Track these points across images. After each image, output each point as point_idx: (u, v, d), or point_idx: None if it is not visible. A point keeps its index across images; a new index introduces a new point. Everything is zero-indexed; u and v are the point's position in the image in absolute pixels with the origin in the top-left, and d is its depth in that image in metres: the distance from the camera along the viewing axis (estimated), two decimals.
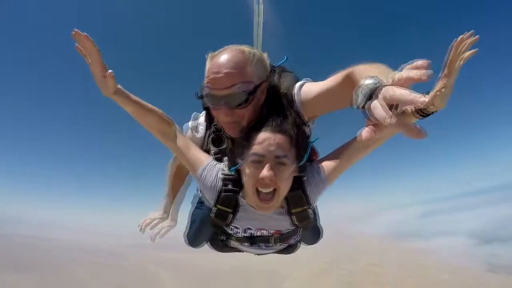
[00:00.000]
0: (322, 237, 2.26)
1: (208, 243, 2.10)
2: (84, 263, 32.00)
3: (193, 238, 2.06)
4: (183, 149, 1.54)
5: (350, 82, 1.21)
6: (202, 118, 1.79)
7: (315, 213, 1.86)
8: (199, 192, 1.98)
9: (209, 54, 1.49)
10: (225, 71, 1.38)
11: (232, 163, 1.46)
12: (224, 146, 1.62)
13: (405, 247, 34.56)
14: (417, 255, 29.61)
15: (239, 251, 1.97)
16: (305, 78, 1.61)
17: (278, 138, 1.32)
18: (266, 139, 1.31)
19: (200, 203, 1.97)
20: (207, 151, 1.69)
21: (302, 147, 1.40)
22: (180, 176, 2.35)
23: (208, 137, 1.66)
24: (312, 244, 2.31)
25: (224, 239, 1.82)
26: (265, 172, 1.27)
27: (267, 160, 1.30)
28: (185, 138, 1.60)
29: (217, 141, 1.61)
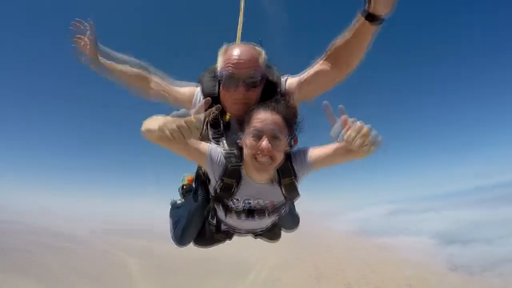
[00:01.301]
0: (299, 223, 2.61)
1: (194, 241, 2.31)
2: (49, 247, 31.23)
3: (181, 234, 2.22)
4: (187, 148, 1.70)
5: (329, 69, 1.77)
6: (196, 89, 2.00)
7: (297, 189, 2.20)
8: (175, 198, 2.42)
9: (224, 46, 1.83)
10: (245, 57, 1.73)
11: (230, 142, 1.81)
12: (221, 129, 1.90)
13: (370, 244, 35.80)
14: (381, 252, 30.81)
15: (227, 238, 2.26)
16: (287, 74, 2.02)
17: (275, 117, 1.63)
18: (265, 117, 1.62)
19: (176, 207, 2.33)
20: (204, 134, 1.94)
21: (292, 126, 1.73)
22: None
23: (207, 122, 1.87)
24: (291, 229, 2.60)
25: (219, 221, 2.08)
26: (264, 143, 1.58)
27: (265, 133, 1.60)
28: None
29: (215, 125, 1.90)
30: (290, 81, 1.94)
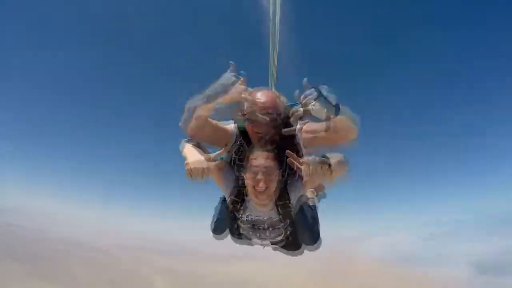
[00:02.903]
0: (320, 241, 2.82)
1: (230, 236, 2.78)
2: (79, 258, 32.04)
3: (214, 230, 2.77)
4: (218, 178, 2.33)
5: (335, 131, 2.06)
6: (233, 126, 2.46)
7: (314, 218, 2.75)
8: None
9: (249, 90, 2.15)
10: (268, 101, 2.18)
11: (239, 170, 2.30)
12: (242, 156, 2.32)
13: (402, 272, 33.82)
14: (412, 282, 29.12)
15: (249, 242, 2.70)
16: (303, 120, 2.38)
17: (267, 155, 2.09)
18: (259, 156, 2.09)
19: (223, 200, 2.69)
20: (230, 157, 2.41)
21: (283, 161, 2.15)
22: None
23: (234, 148, 2.39)
24: (311, 245, 2.81)
25: (235, 226, 2.55)
26: (259, 177, 2.01)
27: (260, 169, 2.03)
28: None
29: (238, 150, 2.37)
30: (305, 128, 2.36)
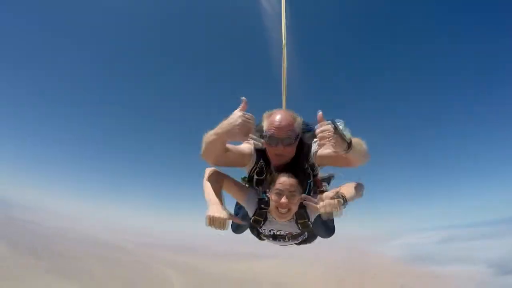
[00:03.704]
0: (333, 233, 2.99)
1: (249, 229, 2.81)
2: (95, 255, 32.75)
3: (236, 228, 2.87)
4: (234, 190, 2.47)
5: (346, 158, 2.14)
6: (252, 147, 2.54)
7: (326, 223, 2.77)
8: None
9: (266, 113, 2.34)
10: (284, 123, 2.28)
11: (263, 191, 2.41)
12: (263, 176, 2.49)
13: (421, 272, 33.20)
14: (433, 281, 28.61)
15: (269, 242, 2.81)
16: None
17: (291, 180, 2.21)
18: (284, 180, 2.21)
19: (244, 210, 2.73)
20: (251, 177, 2.55)
21: (305, 185, 2.36)
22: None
23: (255, 170, 2.52)
24: (326, 237, 3.02)
25: (260, 233, 2.70)
26: (283, 200, 2.16)
27: (284, 193, 2.18)
28: (231, 182, 2.47)
29: (260, 172, 2.51)
30: (320, 151, 2.45)
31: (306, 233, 2.67)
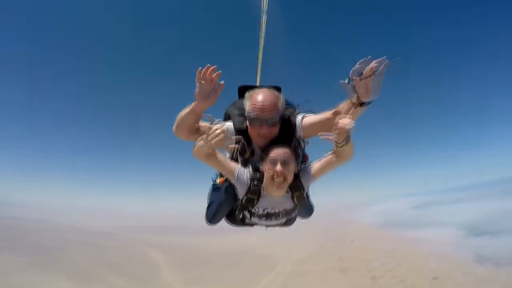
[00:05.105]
0: (313, 212, 3.07)
1: (225, 219, 2.85)
2: (78, 244, 32.26)
3: (211, 218, 2.78)
4: (222, 163, 2.38)
5: (334, 118, 2.12)
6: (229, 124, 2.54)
7: (307, 195, 2.78)
8: (215, 178, 2.92)
9: (250, 92, 2.39)
10: (268, 102, 2.27)
11: (253, 167, 2.41)
12: (247, 156, 2.47)
13: (396, 236, 34.95)
14: (407, 244, 30.10)
15: (251, 225, 2.82)
16: (303, 111, 2.58)
17: (285, 149, 2.25)
18: (278, 150, 2.24)
19: (216, 188, 2.80)
20: (234, 158, 2.55)
21: (298, 154, 2.44)
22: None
23: (237, 150, 2.47)
24: (307, 217, 3.11)
25: (245, 217, 2.68)
26: (278, 167, 2.17)
27: (278, 161, 2.19)
28: (220, 155, 2.38)
29: (242, 152, 2.46)
30: (305, 120, 2.50)
31: (297, 209, 2.69)
